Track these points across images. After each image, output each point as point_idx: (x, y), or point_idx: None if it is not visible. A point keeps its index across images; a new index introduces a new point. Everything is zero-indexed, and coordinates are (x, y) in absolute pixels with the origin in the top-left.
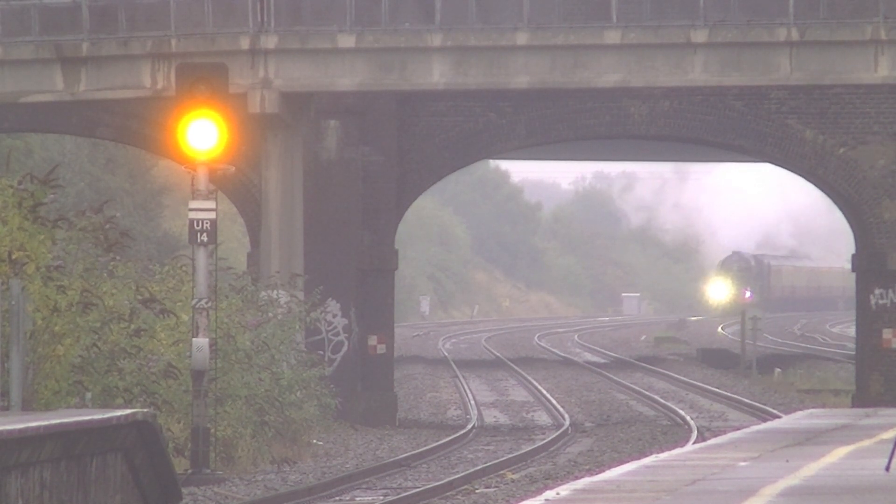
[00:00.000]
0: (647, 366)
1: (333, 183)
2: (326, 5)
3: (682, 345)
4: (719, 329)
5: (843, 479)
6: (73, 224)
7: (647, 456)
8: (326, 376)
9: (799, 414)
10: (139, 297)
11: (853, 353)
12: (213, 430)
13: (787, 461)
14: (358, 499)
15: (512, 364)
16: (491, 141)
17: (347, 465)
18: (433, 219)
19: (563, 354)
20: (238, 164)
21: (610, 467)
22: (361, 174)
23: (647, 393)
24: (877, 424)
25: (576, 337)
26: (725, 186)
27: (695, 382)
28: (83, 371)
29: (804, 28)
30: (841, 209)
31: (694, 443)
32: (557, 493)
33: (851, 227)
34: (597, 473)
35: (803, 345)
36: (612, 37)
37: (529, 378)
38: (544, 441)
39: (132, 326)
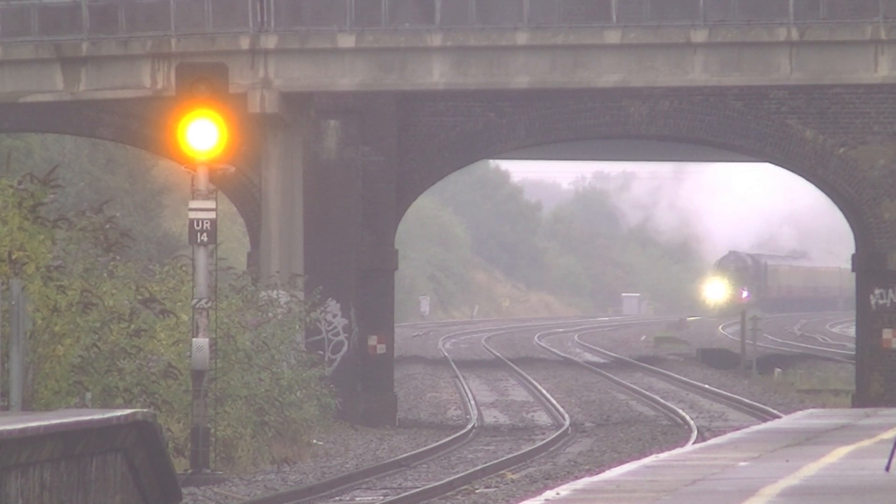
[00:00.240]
0: (647, 366)
1: (333, 183)
2: (326, 5)
3: (682, 345)
4: (719, 329)
5: (843, 479)
6: (73, 224)
7: (647, 456)
8: (326, 376)
9: (799, 414)
10: (139, 297)
11: (853, 353)
12: (213, 430)
13: (787, 461)
14: (358, 499)
15: (512, 364)
16: (491, 141)
17: (347, 465)
18: (433, 219)
19: (563, 354)
20: (238, 164)
21: (610, 467)
22: (361, 174)
23: (647, 393)
24: (877, 424)
25: (576, 337)
26: (722, 186)
27: (695, 382)
28: (83, 371)
29: (804, 28)
30: (841, 209)
31: (694, 443)
32: (557, 493)
33: (851, 227)
34: (597, 473)
35: (803, 345)
36: (612, 37)
37: (529, 378)
38: (544, 441)
39: (132, 326)
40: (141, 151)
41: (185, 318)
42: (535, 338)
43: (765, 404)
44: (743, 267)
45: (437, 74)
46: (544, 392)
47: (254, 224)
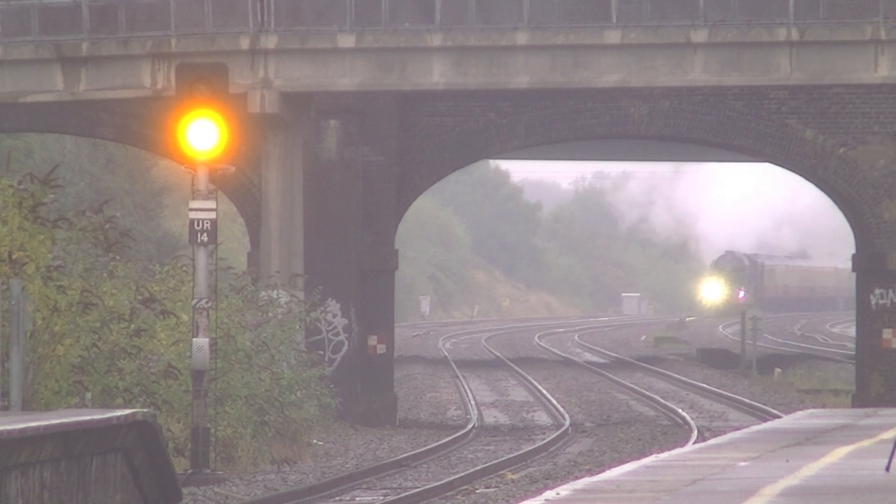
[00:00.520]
0: (647, 366)
1: (333, 183)
2: (326, 5)
3: (682, 345)
4: (719, 329)
5: (843, 479)
6: (73, 224)
7: (647, 456)
8: (326, 376)
9: (799, 414)
10: (139, 297)
11: (853, 353)
12: (213, 430)
13: (787, 461)
14: (358, 499)
15: (512, 364)
16: (491, 141)
17: (347, 465)
18: (433, 219)
19: (563, 354)
20: (238, 164)
21: (610, 467)
22: (361, 174)
23: (647, 393)
24: (877, 424)
25: (576, 337)
26: (720, 185)
27: (695, 382)
28: (83, 371)
29: (804, 28)
30: (841, 209)
31: (694, 443)
32: (557, 493)
33: (851, 227)
34: (597, 473)
35: (803, 345)
36: (612, 37)
37: (529, 378)
38: (544, 441)
39: (132, 326)
40: (141, 151)
41: (185, 318)
42: (535, 338)
43: (765, 404)
44: (740, 267)
45: (437, 74)
46: (544, 392)
47: (254, 224)
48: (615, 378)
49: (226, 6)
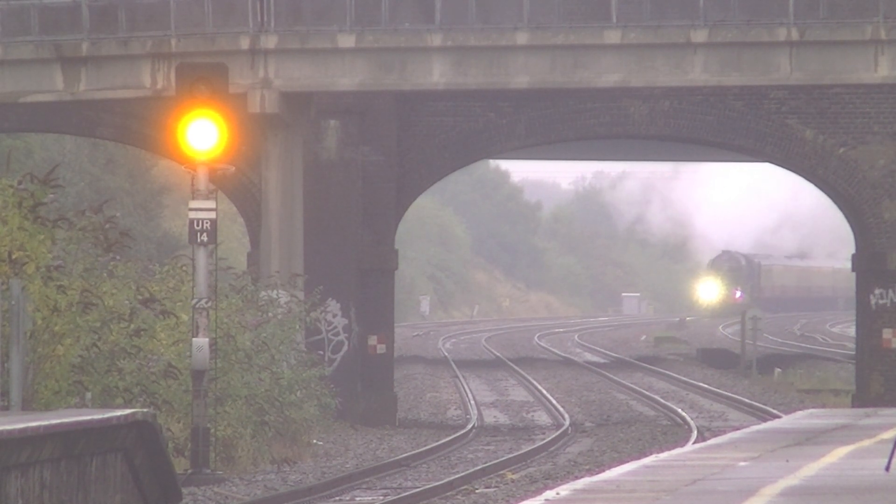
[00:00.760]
0: (647, 366)
1: (333, 183)
2: (326, 5)
3: (682, 345)
4: (719, 329)
5: (843, 479)
6: (73, 224)
7: (647, 456)
8: (326, 376)
9: (799, 414)
10: (139, 297)
11: (853, 353)
12: (213, 430)
13: (787, 461)
14: (358, 499)
15: (512, 364)
16: (491, 141)
17: (347, 465)
18: (433, 219)
19: (563, 354)
20: (238, 164)
21: (610, 467)
22: (361, 174)
23: (647, 393)
24: (877, 424)
25: (576, 337)
26: (718, 184)
27: (695, 382)
28: (83, 371)
29: (804, 28)
30: (841, 209)
31: (694, 443)
32: (557, 493)
33: (851, 227)
34: (597, 473)
35: (803, 345)
36: (612, 37)
37: (529, 378)
38: (544, 441)
39: (132, 326)
40: (141, 151)
41: (185, 318)
42: (535, 338)
43: (765, 404)
44: (737, 267)
45: (437, 74)
46: (544, 392)
47: (254, 224)
48: (615, 378)
49: (226, 6)
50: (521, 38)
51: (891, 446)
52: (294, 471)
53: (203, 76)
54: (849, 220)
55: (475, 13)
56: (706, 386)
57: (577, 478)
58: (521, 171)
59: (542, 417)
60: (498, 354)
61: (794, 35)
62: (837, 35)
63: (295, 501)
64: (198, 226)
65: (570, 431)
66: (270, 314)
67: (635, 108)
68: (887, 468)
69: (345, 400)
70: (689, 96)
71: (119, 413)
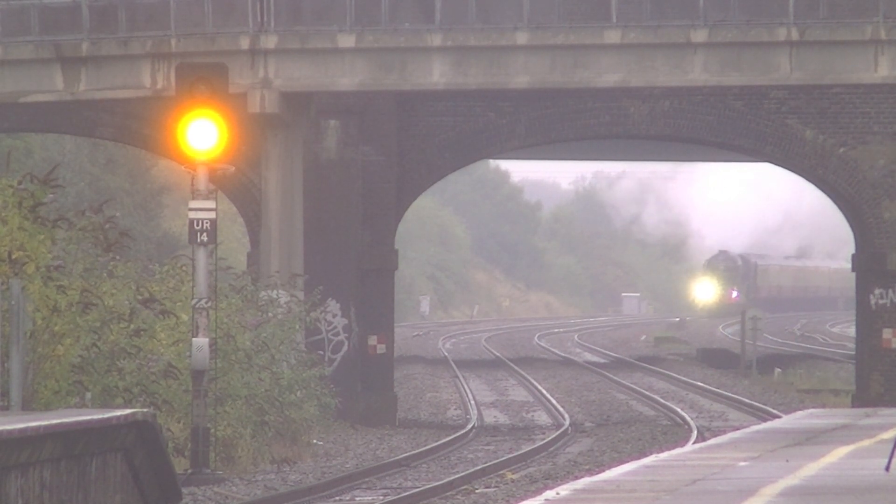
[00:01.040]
0: (647, 366)
1: (333, 183)
2: (326, 5)
3: (682, 345)
4: (719, 329)
5: (843, 479)
6: (73, 224)
7: (647, 456)
8: (326, 376)
9: (799, 414)
10: (139, 297)
11: (853, 353)
12: (213, 430)
13: (787, 461)
14: (358, 499)
15: (512, 364)
16: (491, 141)
17: (347, 465)
18: (433, 219)
19: (563, 354)
20: (238, 164)
21: (610, 467)
22: (361, 174)
23: (647, 393)
24: (877, 424)
25: (576, 337)
26: (715, 184)
27: (695, 382)
28: (83, 371)
29: (804, 28)
30: (841, 209)
31: (694, 443)
32: (557, 493)
33: (851, 227)
34: (597, 473)
35: (803, 345)
36: (612, 37)
37: (529, 378)
38: (544, 441)
39: (132, 326)
40: (141, 151)
41: (185, 318)
42: (535, 338)
43: (765, 404)
44: (733, 266)
45: (437, 74)
46: (544, 392)
47: (254, 224)
48: (615, 378)
49: (226, 6)
50: (521, 38)
51: (891, 446)
52: (294, 471)
53: (203, 76)
54: (849, 220)
55: (475, 13)
56: (706, 386)
57: (577, 478)
58: (521, 171)
59: (542, 417)
60: (498, 354)
61: (794, 35)
62: (837, 35)
63: (295, 501)
64: (198, 226)
65: (570, 431)
66: (270, 314)
67: (635, 108)
68: (887, 468)
69: (345, 400)
70: (689, 96)
71: (119, 413)
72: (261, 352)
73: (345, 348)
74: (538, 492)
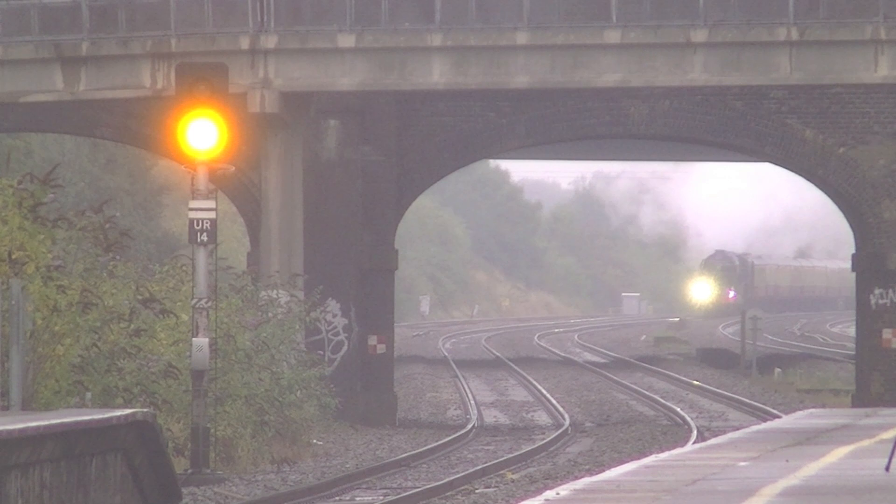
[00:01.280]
0: (647, 366)
1: (333, 183)
2: (326, 5)
3: (682, 345)
4: (719, 329)
5: (843, 479)
6: (73, 224)
7: (647, 456)
8: (326, 376)
9: (799, 414)
10: (139, 297)
11: (853, 353)
12: (213, 430)
13: (787, 461)
14: (358, 499)
15: (512, 364)
16: (491, 141)
17: (347, 465)
18: (433, 219)
19: (563, 354)
20: (238, 164)
21: (610, 467)
22: (361, 174)
23: (647, 393)
24: (877, 424)
25: (576, 337)
26: (712, 184)
27: (697, 382)
28: (83, 371)
29: (804, 28)
30: (841, 209)
31: (694, 443)
32: (557, 493)
33: (851, 227)
34: (597, 473)
35: (803, 345)
36: (612, 37)
37: (529, 378)
38: (544, 441)
39: (132, 326)
40: (141, 151)
41: (185, 318)
42: (535, 337)
43: (765, 404)
44: (730, 266)
45: (437, 74)
46: (544, 392)
47: (254, 224)
48: (615, 378)
49: (226, 6)
50: (521, 38)
51: (891, 446)
52: (294, 471)
53: (203, 76)
54: (849, 220)
55: (475, 13)
56: (706, 386)
57: (577, 478)
58: (521, 171)
59: (542, 417)
60: (498, 354)
61: (794, 35)
62: (837, 35)
63: (295, 501)
64: (198, 226)
65: (570, 431)
66: (270, 314)
67: (635, 108)
68: (887, 468)
69: (345, 400)
70: (689, 96)
71: (119, 413)
72: (261, 352)
73: (345, 348)
74: (538, 492)
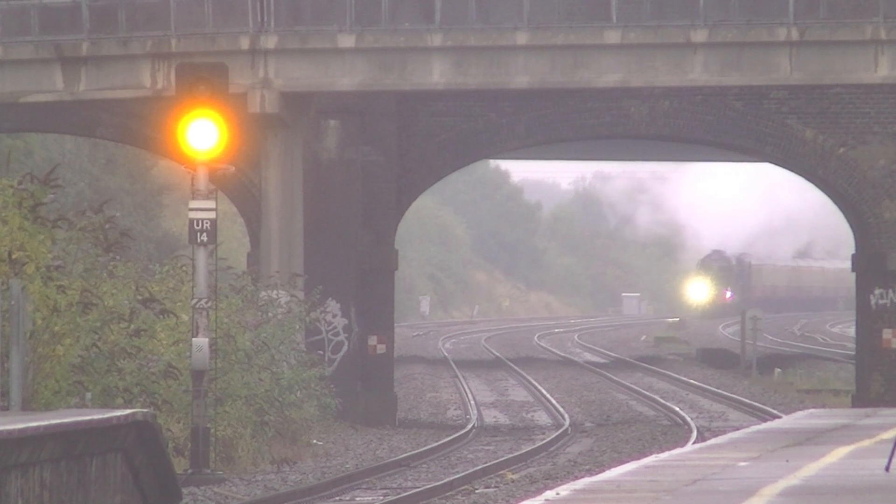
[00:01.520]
0: (647, 366)
1: (333, 183)
2: (326, 5)
3: (682, 345)
4: (719, 329)
5: (843, 479)
6: (73, 224)
7: (647, 456)
8: (326, 376)
9: (799, 414)
10: (139, 297)
11: (853, 353)
12: (213, 430)
13: (787, 461)
14: (358, 499)
15: (512, 364)
16: (491, 141)
17: (347, 465)
18: (433, 219)
19: (563, 354)
20: (238, 164)
21: (610, 467)
22: (361, 174)
23: (647, 393)
24: (877, 424)
25: (576, 337)
26: (711, 183)
27: (695, 382)
28: (83, 371)
29: (804, 28)
30: (841, 209)
31: (694, 443)
32: (557, 493)
33: (851, 227)
34: (597, 473)
35: (803, 345)
36: (612, 37)
37: (529, 378)
38: (544, 441)
39: (132, 326)
40: (141, 151)
41: (185, 318)
42: (535, 338)
43: (765, 404)
44: (727, 266)
45: (437, 74)
46: (544, 392)
47: (254, 224)
48: (615, 378)
49: (226, 6)
50: (521, 38)
51: (891, 446)
52: (294, 471)
53: (203, 76)
54: (849, 220)
55: (475, 13)
56: (706, 386)
57: (577, 478)
58: (521, 171)
59: (542, 417)
60: (498, 354)
61: (794, 35)
62: (837, 35)
63: (295, 501)
64: (198, 226)
65: (570, 431)
66: (270, 314)
67: (635, 108)
68: (887, 468)
69: (345, 400)
70: (689, 96)
71: (119, 413)
72: (261, 352)
73: (345, 348)
74: (538, 492)
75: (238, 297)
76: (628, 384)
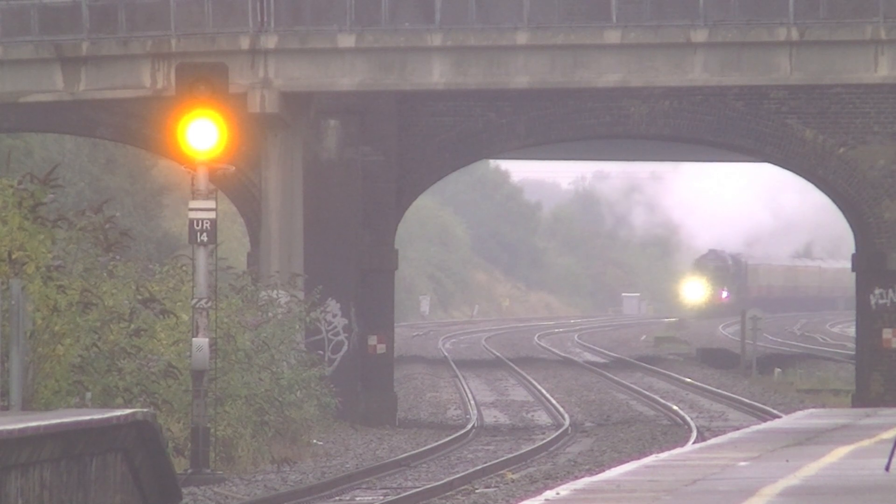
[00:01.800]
0: (647, 366)
1: (333, 183)
2: (326, 5)
3: (682, 345)
4: (719, 329)
5: (843, 479)
6: (73, 224)
7: (647, 456)
8: (326, 376)
9: (799, 414)
10: (139, 297)
11: (853, 353)
12: (213, 430)
13: (787, 461)
14: (358, 499)
15: (512, 364)
16: (491, 141)
17: (347, 465)
18: (433, 219)
19: (563, 354)
20: (238, 164)
21: (610, 467)
22: (361, 174)
23: (647, 393)
24: (877, 424)
25: (576, 337)
26: (708, 184)
27: (695, 382)
28: (83, 371)
29: (804, 28)
30: (841, 209)
31: (694, 443)
32: (557, 493)
33: (851, 227)
34: (597, 473)
35: (803, 345)
36: (612, 37)
37: (529, 378)
38: (544, 441)
39: (132, 326)
40: (141, 151)
41: (185, 318)
42: (535, 337)
43: (765, 404)
44: (723, 266)
45: (437, 74)
46: (544, 392)
47: (254, 224)
48: (615, 378)
49: (226, 6)
50: (521, 38)
51: (891, 446)
52: (294, 471)
53: (203, 76)
54: (849, 220)
55: (475, 13)
56: (706, 386)
57: (577, 478)
58: (521, 171)
59: (542, 417)
60: (498, 354)
61: (794, 35)
62: (837, 35)
63: (295, 501)
64: (198, 226)
65: (570, 431)
66: (270, 314)
67: (635, 108)
68: (887, 468)
69: (345, 400)
70: (689, 96)
71: (119, 413)
72: (261, 352)
73: (345, 348)
74: (538, 492)
75: (238, 297)
76: (628, 384)
